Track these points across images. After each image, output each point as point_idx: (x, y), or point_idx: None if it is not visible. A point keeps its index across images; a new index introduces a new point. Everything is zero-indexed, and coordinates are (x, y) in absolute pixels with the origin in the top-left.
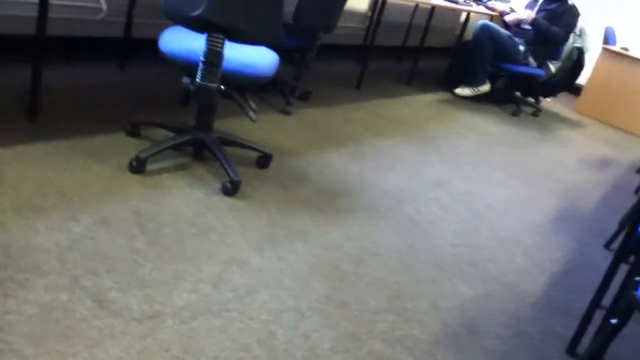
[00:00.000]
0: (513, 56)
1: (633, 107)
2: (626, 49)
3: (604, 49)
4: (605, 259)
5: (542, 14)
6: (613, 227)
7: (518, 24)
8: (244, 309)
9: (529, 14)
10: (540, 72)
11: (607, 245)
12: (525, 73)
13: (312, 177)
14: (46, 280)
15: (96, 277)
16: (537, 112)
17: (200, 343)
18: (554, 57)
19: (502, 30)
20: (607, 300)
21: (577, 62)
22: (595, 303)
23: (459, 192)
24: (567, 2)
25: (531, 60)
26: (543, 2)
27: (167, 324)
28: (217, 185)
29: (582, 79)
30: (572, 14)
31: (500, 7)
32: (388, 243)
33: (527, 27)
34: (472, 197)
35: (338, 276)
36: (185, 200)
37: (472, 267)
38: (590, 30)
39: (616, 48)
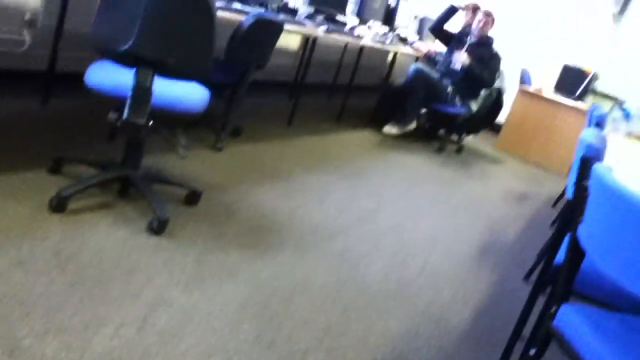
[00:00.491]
0: (443, 97)
1: (547, 145)
2: (540, 90)
3: (520, 90)
4: (524, 290)
5: (470, 56)
6: (531, 259)
7: (448, 63)
8: (169, 354)
9: (466, 58)
10: (463, 111)
11: (527, 277)
12: (449, 112)
13: (242, 214)
14: None
15: (9, 323)
16: (460, 149)
17: None
18: (475, 95)
19: (434, 73)
20: (527, 331)
21: (496, 101)
22: (516, 334)
23: (387, 227)
24: (492, 48)
25: (457, 99)
26: (470, 45)
27: None
28: (144, 223)
29: (502, 118)
30: (497, 60)
31: (424, 47)
32: (318, 279)
33: (457, 68)
34: (400, 232)
35: (268, 315)
36: (109, 239)
37: (401, 301)
38: (507, 72)
39: (531, 89)
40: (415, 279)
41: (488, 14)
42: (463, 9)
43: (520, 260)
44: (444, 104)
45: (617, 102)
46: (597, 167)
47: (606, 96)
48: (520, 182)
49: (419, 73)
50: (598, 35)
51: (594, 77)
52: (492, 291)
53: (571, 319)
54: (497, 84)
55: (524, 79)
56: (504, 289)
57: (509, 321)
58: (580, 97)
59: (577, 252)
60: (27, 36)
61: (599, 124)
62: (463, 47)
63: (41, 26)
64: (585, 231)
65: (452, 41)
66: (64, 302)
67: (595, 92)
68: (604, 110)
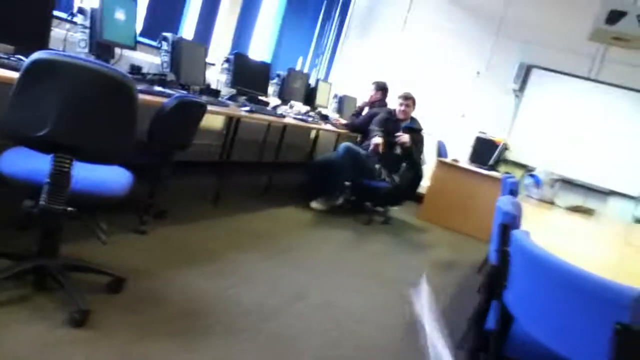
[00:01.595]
0: (371, 173)
1: (468, 212)
2: (457, 161)
3: (439, 161)
4: (459, 358)
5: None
6: (462, 326)
7: (393, 144)
8: None
9: (408, 139)
10: (387, 184)
11: (460, 345)
12: (378, 187)
13: (169, 299)
14: None
15: None
16: (386, 220)
17: None
18: (398, 169)
19: (362, 150)
20: None
21: (416, 173)
22: None
23: (319, 304)
24: (421, 131)
25: (384, 175)
26: (404, 128)
27: None
28: (63, 316)
29: (423, 188)
30: (423, 141)
31: (343, 121)
32: None
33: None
34: (332, 308)
35: None
36: (23, 337)
37: None
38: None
39: (448, 160)
40: (351, 356)
41: (406, 97)
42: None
43: (453, 328)
44: (371, 179)
45: (527, 170)
46: (516, 233)
47: (517, 164)
48: (445, 250)
49: (349, 151)
50: (504, 109)
51: (504, 147)
52: None
53: None
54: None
55: (441, 151)
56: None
57: None
58: (494, 167)
59: (505, 317)
60: None
61: (513, 191)
62: (397, 128)
63: None
64: (511, 296)
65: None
66: None
67: (506, 161)
68: (516, 177)
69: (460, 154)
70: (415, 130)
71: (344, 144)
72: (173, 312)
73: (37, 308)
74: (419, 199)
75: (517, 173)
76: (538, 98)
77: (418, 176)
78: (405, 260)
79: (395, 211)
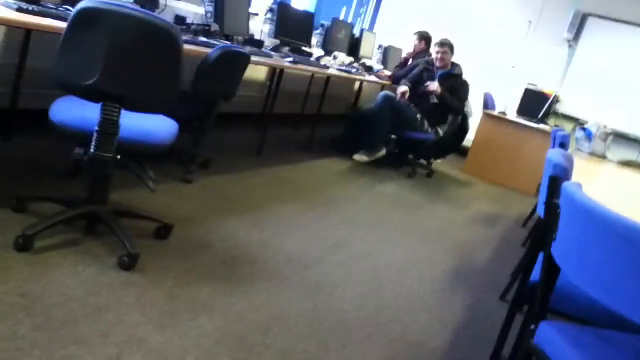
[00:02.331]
0: (412, 124)
1: (514, 166)
2: (504, 114)
3: (485, 114)
4: (501, 310)
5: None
6: (505, 279)
7: (426, 94)
8: None
9: (438, 87)
10: (431, 136)
11: (502, 297)
12: (417, 138)
13: (214, 246)
14: None
15: None
16: (430, 173)
17: None
18: (443, 122)
19: (403, 101)
20: (507, 351)
21: (462, 126)
22: (496, 354)
23: (360, 254)
24: (462, 78)
25: (426, 126)
26: (440, 76)
27: None
28: (113, 260)
29: (468, 142)
30: (466, 88)
31: (388, 73)
32: (294, 310)
33: (431, 100)
34: (373, 258)
35: (245, 348)
36: (77, 278)
37: (379, 328)
38: (471, 97)
39: (495, 112)
40: (391, 306)
41: (442, 44)
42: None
43: (495, 281)
44: (413, 131)
45: (578, 123)
46: (567, 185)
47: (567, 117)
48: (489, 204)
49: (388, 100)
50: (556, 60)
51: (555, 100)
52: (469, 313)
53: (550, 336)
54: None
55: (488, 103)
56: (480, 310)
57: (488, 342)
58: (543, 120)
59: (552, 270)
60: None
61: (563, 144)
62: (432, 77)
63: (2, 64)
64: (558, 249)
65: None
66: (31, 345)
67: (556, 114)
68: (567, 131)
69: (509, 106)
70: (452, 77)
71: (383, 93)
72: (218, 258)
73: (88, 252)
74: (464, 152)
75: (568, 127)
76: (593, 48)
77: (463, 129)
78: (448, 214)
79: (440, 164)
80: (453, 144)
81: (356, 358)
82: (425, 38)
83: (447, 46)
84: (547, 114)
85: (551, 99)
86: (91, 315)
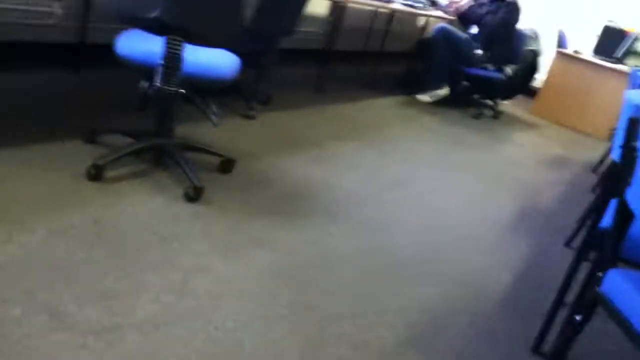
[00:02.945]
0: (470, 59)
1: (586, 109)
2: (578, 52)
3: (558, 52)
4: (565, 256)
5: (489, 16)
6: (571, 224)
7: (459, 14)
8: (209, 318)
9: (462, 5)
10: (497, 75)
11: (567, 243)
12: (482, 76)
13: (274, 181)
14: None
15: (53, 290)
16: (496, 114)
17: (162, 355)
18: (514, 61)
19: (460, 33)
20: (569, 298)
21: (531, 65)
22: (558, 301)
23: (420, 193)
24: (506, 1)
25: (489, 64)
26: (488, 2)
27: (128, 337)
28: (179, 191)
29: (537, 82)
30: (510, 9)
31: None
32: (351, 245)
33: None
34: (433, 197)
35: (303, 281)
36: (146, 207)
37: (436, 266)
38: (543, 34)
39: (569, 51)
40: (450, 245)
41: None
42: None
43: (561, 226)
44: (474, 67)
45: None
46: None
47: None
48: (558, 147)
49: (442, 31)
50: None
51: (636, 38)
52: (532, 257)
53: (619, 284)
54: (532, 46)
55: (561, 41)
56: (544, 255)
57: (550, 288)
58: (621, 59)
59: (625, 216)
60: (56, 8)
61: None
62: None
63: None
64: (634, 194)
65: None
66: (105, 269)
67: (637, 54)
68: None
69: (584, 44)
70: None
71: (438, 25)
72: (278, 193)
73: (156, 182)
74: (532, 93)
75: None
76: None
77: (532, 68)
78: (513, 155)
79: (507, 106)
80: (522, 84)
81: (412, 294)
82: None
83: None
84: (626, 53)
85: (631, 36)
86: (159, 243)
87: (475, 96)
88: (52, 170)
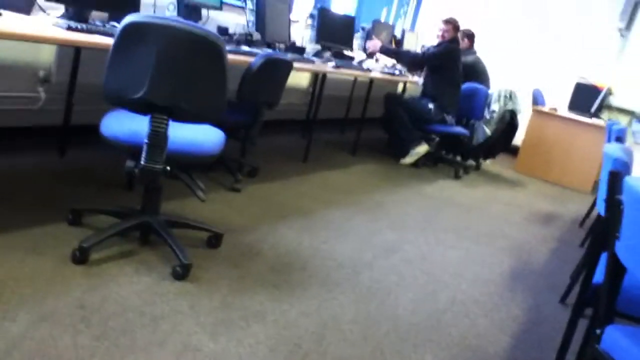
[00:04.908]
0: (426, 116)
1: (567, 163)
2: (555, 109)
3: (534, 110)
4: (562, 314)
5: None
6: (565, 281)
7: (371, 54)
8: None
9: (375, 44)
10: (462, 130)
11: (562, 300)
12: (446, 132)
13: (265, 253)
14: None
15: None
16: (478, 172)
17: None
18: (476, 115)
19: (407, 96)
20: (570, 357)
21: (510, 123)
22: None
23: (413, 258)
24: (443, 44)
25: (446, 116)
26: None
27: None
28: (167, 269)
29: (518, 140)
30: (443, 48)
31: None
32: (348, 316)
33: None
34: (426, 262)
35: (300, 356)
36: (132, 288)
37: (435, 334)
38: (520, 93)
39: (545, 108)
40: (447, 310)
41: (447, 22)
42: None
43: (554, 283)
44: (431, 124)
45: (634, 116)
46: (629, 180)
47: (622, 110)
48: (543, 203)
49: (390, 99)
50: (607, 51)
51: (608, 92)
52: (529, 317)
53: (619, 341)
54: (509, 106)
55: (537, 99)
56: (540, 313)
57: (549, 347)
58: (596, 114)
59: (617, 270)
60: (41, 93)
61: (620, 138)
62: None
63: (55, 82)
64: (623, 247)
65: None
66: (91, 355)
67: (610, 107)
68: (623, 124)
69: (559, 101)
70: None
71: (385, 95)
72: (269, 265)
73: (143, 262)
74: (514, 151)
75: (623, 120)
76: None
77: (513, 126)
78: (501, 214)
79: (489, 164)
80: (502, 143)
81: None
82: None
83: (450, 24)
84: (600, 108)
85: (604, 92)
86: (147, 324)
87: (451, 155)
88: (36, 254)
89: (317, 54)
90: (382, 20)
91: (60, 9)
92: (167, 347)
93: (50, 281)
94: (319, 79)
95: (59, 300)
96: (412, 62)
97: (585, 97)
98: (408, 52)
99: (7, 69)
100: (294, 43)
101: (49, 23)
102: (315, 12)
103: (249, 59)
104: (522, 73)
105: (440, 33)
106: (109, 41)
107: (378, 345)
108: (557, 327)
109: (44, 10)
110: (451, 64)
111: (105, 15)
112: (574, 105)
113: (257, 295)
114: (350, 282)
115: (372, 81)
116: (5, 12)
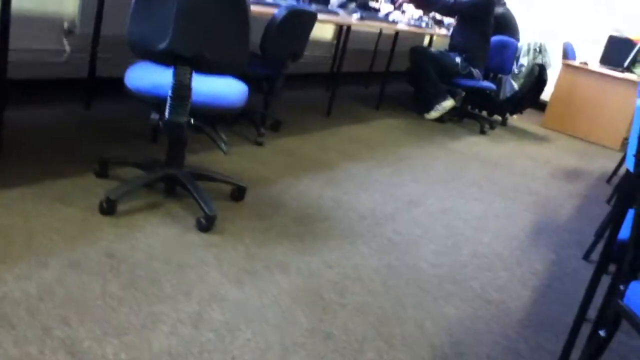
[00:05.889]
0: (453, 70)
1: (597, 119)
2: (585, 63)
3: (565, 64)
4: (585, 269)
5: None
6: (589, 237)
7: (400, 4)
8: (226, 349)
9: None
10: (489, 85)
11: (586, 256)
12: (473, 87)
13: (288, 206)
14: (15, 333)
15: (68, 326)
16: (506, 128)
17: None
18: (505, 69)
19: (434, 49)
20: (592, 313)
21: (539, 78)
22: (581, 316)
23: (436, 211)
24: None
25: (473, 70)
26: None
27: None
28: (192, 221)
29: (546, 95)
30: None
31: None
32: (369, 267)
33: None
34: (449, 215)
35: (322, 306)
36: (159, 238)
37: (456, 286)
38: (550, 47)
39: (576, 63)
40: (469, 263)
41: None
42: None
43: (578, 239)
44: (462, 78)
45: None
46: None
47: None
48: (570, 159)
49: (416, 52)
50: None
51: None
52: (551, 272)
53: None
54: (539, 59)
55: (568, 53)
56: (563, 269)
57: (571, 302)
58: (629, 68)
59: None
60: (66, 45)
61: None
62: None
63: (79, 34)
64: None
65: None
66: (120, 302)
67: None
68: None
69: (591, 56)
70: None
71: (412, 48)
72: (292, 217)
73: (169, 213)
74: (541, 106)
75: None
76: None
77: (541, 81)
78: (527, 169)
79: (516, 119)
80: (530, 98)
81: (433, 316)
82: None
83: None
84: (634, 62)
85: (639, 46)
86: (173, 274)
87: (483, 112)
88: (65, 205)
89: (342, 6)
90: None
91: None
92: (192, 296)
93: (79, 231)
94: (343, 31)
95: (88, 249)
96: (445, 9)
97: (619, 51)
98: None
99: (32, 21)
100: None
101: None
102: None
103: (273, 10)
104: (552, 25)
105: None
106: None
107: (399, 296)
108: (579, 282)
109: None
110: (484, 16)
111: None
112: (605, 60)
113: (280, 246)
114: (372, 234)
115: (397, 34)
116: None
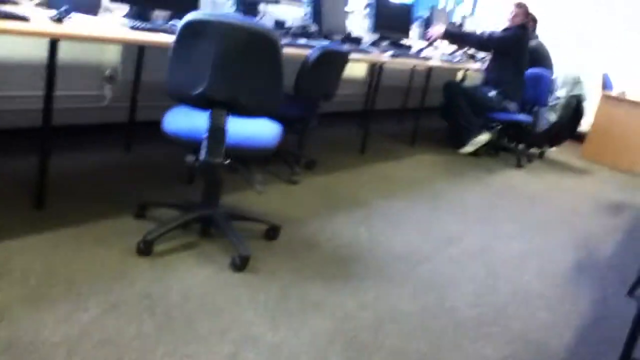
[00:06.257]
0: (487, 104)
1: (637, 150)
2: (623, 93)
3: (604, 95)
4: (629, 307)
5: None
6: (633, 273)
7: (433, 40)
8: None
9: (438, 29)
10: (525, 118)
11: (631, 293)
12: (508, 120)
13: (322, 245)
14: None
15: None
16: (543, 160)
17: None
18: (540, 102)
19: (467, 84)
20: (638, 352)
21: (576, 110)
22: (626, 356)
23: (473, 249)
24: (510, 29)
25: (508, 103)
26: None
27: None
28: (227, 261)
29: (585, 126)
30: (515, 32)
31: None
32: (405, 308)
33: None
34: (487, 253)
35: (357, 347)
36: (194, 279)
37: (495, 327)
38: (587, 78)
39: (614, 93)
40: (508, 303)
41: (519, 5)
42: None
43: (622, 275)
44: (496, 112)
45: None
46: None
47: None
48: (612, 192)
49: (449, 87)
50: None
51: None
52: (594, 310)
53: None
54: (576, 91)
55: (606, 84)
56: (607, 307)
57: (616, 342)
58: None
59: None
60: (108, 91)
61: None
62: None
63: (120, 80)
64: None
65: None
66: (155, 343)
67: None
68: None
69: (629, 85)
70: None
71: (445, 82)
72: (326, 257)
73: (203, 253)
74: (580, 138)
75: None
76: None
77: (578, 113)
78: (567, 203)
79: (554, 152)
80: (568, 130)
81: (472, 357)
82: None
83: (521, 9)
84: None
85: None
86: (208, 314)
87: (520, 145)
88: (104, 247)
89: (374, 44)
90: (441, 6)
91: (125, 8)
92: (227, 337)
93: (117, 272)
94: (376, 69)
95: (125, 290)
96: (478, 44)
97: None
98: (474, 34)
99: (75, 69)
100: (350, 34)
101: (114, 23)
102: (372, 1)
103: (306, 51)
104: (586, 58)
105: (510, 16)
106: (171, 39)
107: (436, 338)
108: (624, 321)
109: (109, 11)
110: (518, 51)
111: (167, 13)
112: None
113: (314, 286)
114: (408, 274)
115: (430, 69)
116: (74, 14)
